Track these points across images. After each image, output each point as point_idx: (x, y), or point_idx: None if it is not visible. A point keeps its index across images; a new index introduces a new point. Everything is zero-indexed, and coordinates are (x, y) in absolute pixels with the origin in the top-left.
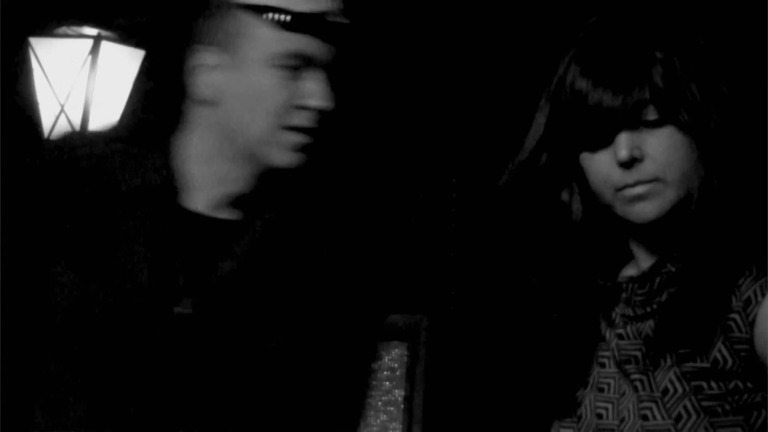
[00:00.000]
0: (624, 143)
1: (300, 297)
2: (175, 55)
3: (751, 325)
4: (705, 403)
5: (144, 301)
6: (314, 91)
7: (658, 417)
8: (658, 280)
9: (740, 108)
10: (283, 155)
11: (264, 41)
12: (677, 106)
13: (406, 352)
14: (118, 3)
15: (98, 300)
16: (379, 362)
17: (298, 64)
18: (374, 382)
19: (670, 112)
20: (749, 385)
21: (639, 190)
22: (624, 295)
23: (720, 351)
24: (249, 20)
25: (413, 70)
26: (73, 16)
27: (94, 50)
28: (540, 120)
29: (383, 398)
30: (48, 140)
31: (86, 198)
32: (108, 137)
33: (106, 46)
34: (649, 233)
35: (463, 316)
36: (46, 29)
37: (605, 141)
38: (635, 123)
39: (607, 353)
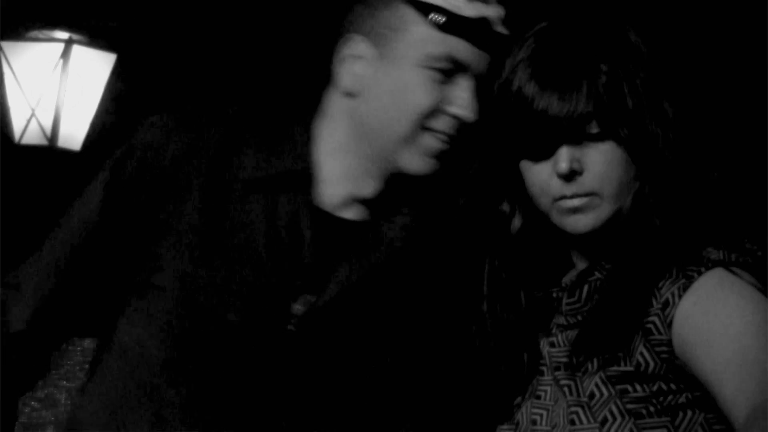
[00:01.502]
0: (565, 155)
1: (413, 307)
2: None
3: (669, 326)
4: (630, 406)
5: (258, 298)
6: (462, 100)
7: (585, 421)
8: (586, 288)
9: (683, 125)
10: (418, 160)
11: (421, 40)
12: (619, 120)
13: None
14: (89, 7)
15: (208, 290)
16: None
17: (451, 68)
18: None
19: (612, 127)
20: (673, 386)
21: (575, 202)
22: (555, 304)
23: (642, 354)
24: (409, 16)
25: None
26: (44, 19)
27: (66, 54)
28: (483, 125)
29: None
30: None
31: (206, 181)
32: (236, 118)
33: (77, 49)
34: (583, 242)
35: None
36: (17, 33)
37: (547, 151)
38: (578, 136)
39: (544, 362)
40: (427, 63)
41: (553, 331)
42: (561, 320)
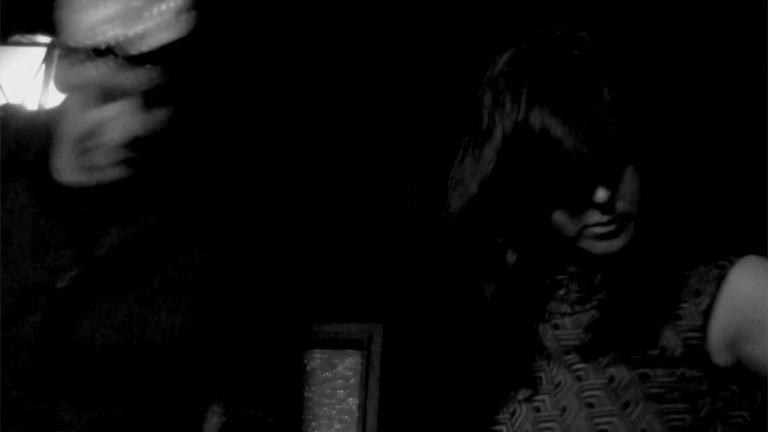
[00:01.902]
0: (603, 187)
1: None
2: None
3: (705, 314)
4: (653, 390)
5: (19, 286)
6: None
7: (606, 403)
8: (598, 276)
9: (679, 126)
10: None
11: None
12: (637, 143)
13: (360, 361)
14: None
15: None
16: (334, 371)
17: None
18: (328, 391)
19: (633, 151)
20: (696, 373)
21: (611, 228)
22: (561, 292)
23: (667, 339)
24: None
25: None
26: (26, 24)
27: (48, 59)
28: (486, 157)
29: (338, 407)
30: None
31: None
32: None
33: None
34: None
35: (417, 325)
36: None
37: (582, 186)
38: (610, 170)
39: (548, 347)
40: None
41: (554, 316)
42: (564, 307)
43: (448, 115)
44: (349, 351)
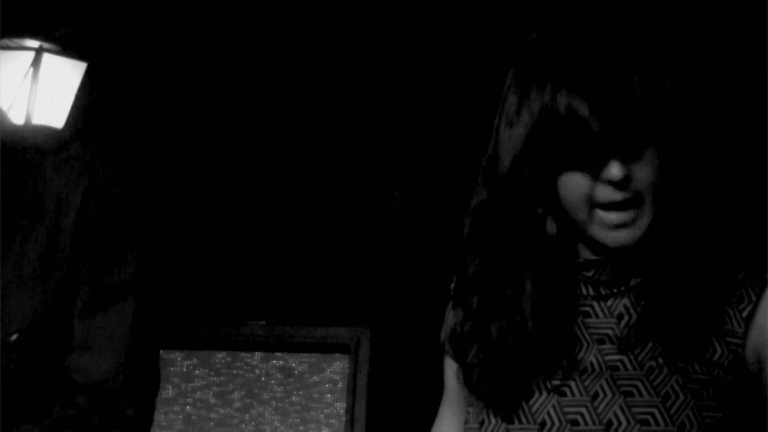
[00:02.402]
0: (617, 163)
1: None
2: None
3: (746, 320)
4: (691, 386)
5: None
6: None
7: (645, 394)
8: (627, 262)
9: (705, 124)
10: None
11: None
12: (658, 129)
13: (348, 365)
14: (60, 15)
15: None
16: (321, 375)
17: None
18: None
19: (653, 136)
20: (730, 377)
21: (622, 217)
22: (589, 273)
23: (711, 341)
24: None
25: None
26: (14, 27)
27: (36, 62)
28: (516, 134)
29: (325, 411)
30: None
31: None
32: None
33: (47, 58)
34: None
35: (406, 329)
36: None
37: (599, 163)
38: (629, 150)
39: (580, 334)
40: None
41: (584, 300)
42: (592, 290)
43: (437, 121)
44: (337, 355)
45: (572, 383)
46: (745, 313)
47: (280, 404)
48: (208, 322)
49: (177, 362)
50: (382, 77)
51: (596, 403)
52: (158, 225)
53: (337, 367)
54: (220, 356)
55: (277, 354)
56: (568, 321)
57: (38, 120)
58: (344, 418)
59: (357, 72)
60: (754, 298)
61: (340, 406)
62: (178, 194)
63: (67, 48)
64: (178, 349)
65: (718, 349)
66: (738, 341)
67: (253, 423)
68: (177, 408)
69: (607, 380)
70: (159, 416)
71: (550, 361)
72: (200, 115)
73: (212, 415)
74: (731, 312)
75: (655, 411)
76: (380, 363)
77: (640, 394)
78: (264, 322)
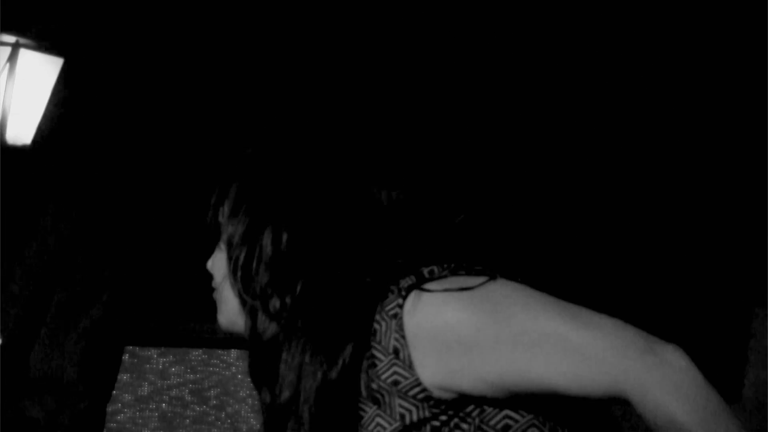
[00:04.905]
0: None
1: None
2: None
3: (410, 365)
4: None
5: None
6: None
7: None
8: None
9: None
10: None
11: None
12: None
13: None
14: (36, 11)
15: None
16: None
17: None
18: None
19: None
20: (443, 416)
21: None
22: None
23: (402, 408)
24: None
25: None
26: None
27: (12, 58)
28: None
29: None
30: None
31: None
32: None
33: (24, 53)
34: None
35: None
36: None
37: None
38: None
39: None
40: None
41: None
42: None
43: (420, 120)
44: None
45: None
46: (407, 362)
47: (256, 402)
48: (184, 320)
49: (153, 359)
50: (369, 75)
51: None
52: (133, 226)
53: None
54: (196, 354)
55: None
56: None
57: (14, 116)
58: None
59: (342, 68)
60: (402, 339)
61: None
62: (157, 192)
63: (44, 44)
64: (154, 347)
65: (413, 408)
66: (420, 386)
67: (229, 420)
68: (153, 405)
69: None
70: (134, 413)
71: None
72: (189, 112)
73: (188, 413)
74: (397, 369)
75: None
76: None
77: None
78: None
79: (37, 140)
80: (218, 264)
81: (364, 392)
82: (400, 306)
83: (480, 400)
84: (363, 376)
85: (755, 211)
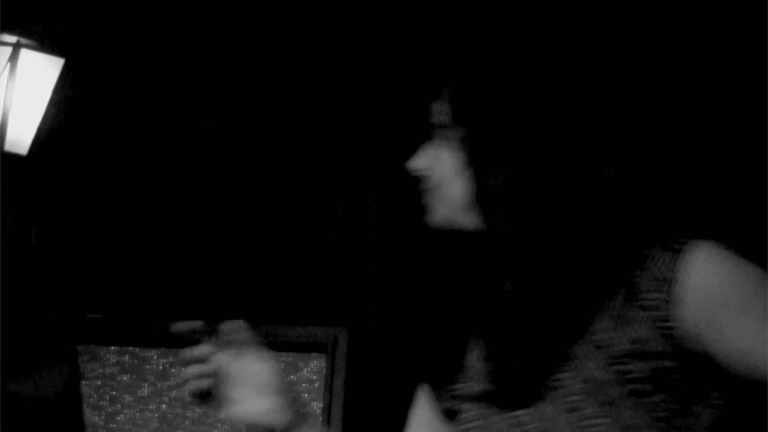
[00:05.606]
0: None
1: None
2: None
3: (673, 302)
4: (630, 386)
5: None
6: None
7: (588, 406)
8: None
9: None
10: None
11: None
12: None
13: (324, 364)
14: (37, 11)
15: None
16: (298, 374)
17: None
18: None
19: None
20: (670, 363)
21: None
22: None
23: (638, 331)
24: None
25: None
26: None
27: (13, 58)
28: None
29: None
30: None
31: None
32: None
33: (25, 53)
34: None
35: (383, 329)
36: None
37: None
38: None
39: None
40: None
41: None
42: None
43: (414, 121)
44: (314, 354)
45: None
46: (670, 295)
47: None
48: (184, 320)
49: (153, 360)
50: (358, 75)
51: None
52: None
53: (314, 366)
54: None
55: None
56: None
57: (15, 116)
58: (321, 418)
59: (332, 70)
60: (675, 277)
61: (317, 406)
62: (153, 192)
63: (45, 44)
64: (154, 347)
65: (650, 338)
66: (668, 324)
67: (229, 421)
68: (153, 406)
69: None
70: (134, 414)
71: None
72: (173, 112)
73: (188, 414)
74: (656, 295)
75: (598, 420)
76: (357, 362)
77: (584, 407)
78: (240, 321)
79: (37, 139)
80: (443, 162)
81: (610, 305)
82: (688, 247)
83: (707, 374)
84: (616, 294)
85: (755, 211)
